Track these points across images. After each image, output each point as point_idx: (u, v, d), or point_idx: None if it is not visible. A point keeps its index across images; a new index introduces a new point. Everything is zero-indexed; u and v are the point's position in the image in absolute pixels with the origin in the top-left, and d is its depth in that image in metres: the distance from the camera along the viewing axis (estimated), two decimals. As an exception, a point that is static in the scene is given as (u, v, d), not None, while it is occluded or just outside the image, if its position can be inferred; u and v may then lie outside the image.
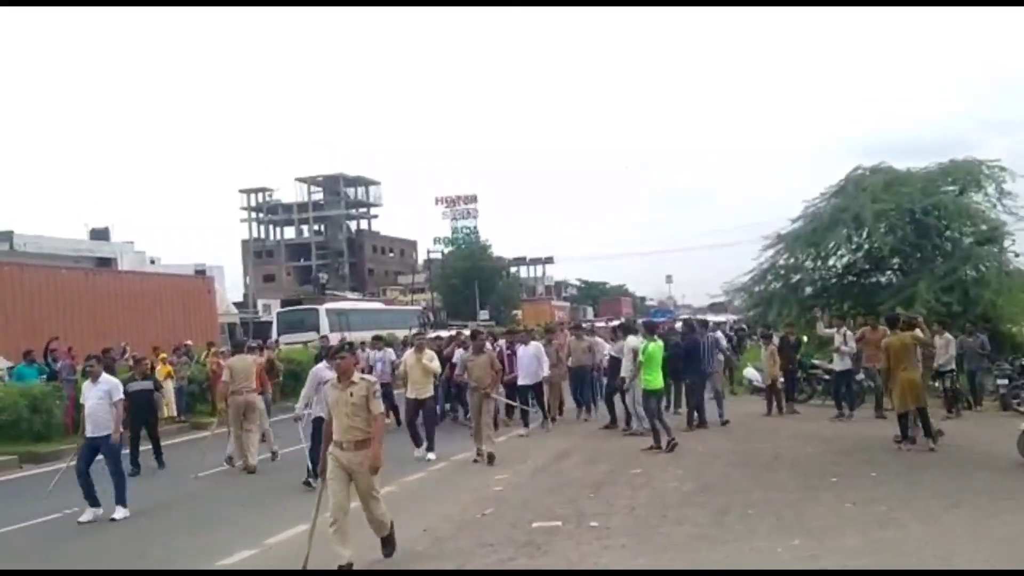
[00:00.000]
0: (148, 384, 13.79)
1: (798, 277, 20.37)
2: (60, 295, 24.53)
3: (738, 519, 8.16)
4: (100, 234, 51.17)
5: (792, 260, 20.32)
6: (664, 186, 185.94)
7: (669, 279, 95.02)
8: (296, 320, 33.49)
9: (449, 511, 8.99)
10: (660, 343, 13.14)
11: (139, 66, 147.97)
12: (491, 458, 12.05)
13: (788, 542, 7.18)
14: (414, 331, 24.16)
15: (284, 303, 55.50)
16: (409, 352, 13.36)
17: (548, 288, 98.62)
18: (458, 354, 16.03)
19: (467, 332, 17.98)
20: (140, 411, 13.05)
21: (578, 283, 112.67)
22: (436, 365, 12.96)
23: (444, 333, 24.60)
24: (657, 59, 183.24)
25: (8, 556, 8.42)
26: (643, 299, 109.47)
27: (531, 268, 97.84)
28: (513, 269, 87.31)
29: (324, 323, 32.02)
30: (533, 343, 16.22)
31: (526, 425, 15.43)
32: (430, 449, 12.68)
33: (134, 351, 17.58)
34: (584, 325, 24.13)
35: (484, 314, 61.20)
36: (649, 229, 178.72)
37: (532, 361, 15.53)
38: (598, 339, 18.06)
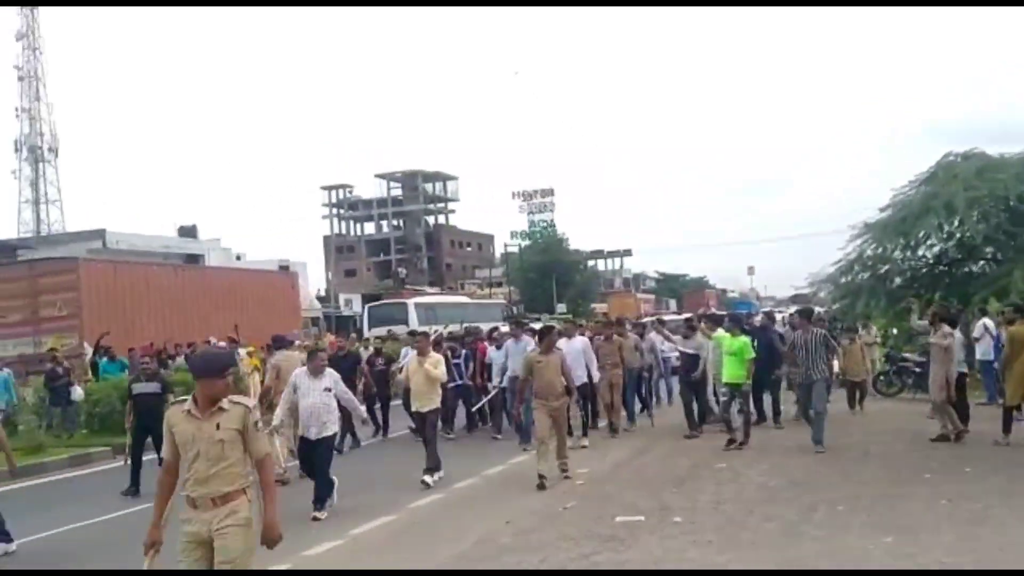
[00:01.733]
0: (154, 386, 11.60)
1: (886, 267, 19.74)
2: (151, 291, 25.26)
3: (827, 515, 7.94)
4: (188, 231, 52.59)
5: (880, 250, 19.69)
6: (740, 176, 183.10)
7: (751, 271, 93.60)
8: (386, 314, 33.89)
9: (531, 504, 8.96)
10: (745, 339, 12.29)
11: (226, 68, 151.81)
12: (564, 471, 10.38)
13: (880, 539, 6.97)
14: (503, 324, 23.35)
15: (365, 298, 56.38)
16: (411, 356, 11.57)
17: (626, 281, 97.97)
18: (492, 353, 14.74)
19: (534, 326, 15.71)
20: (145, 418, 11.18)
21: (656, 275, 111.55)
22: (442, 371, 10.86)
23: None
24: (732, 46, 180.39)
25: (104, 545, 8.69)
26: (724, 291, 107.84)
27: (609, 261, 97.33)
28: (591, 262, 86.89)
29: (413, 317, 32.36)
30: (579, 338, 13.52)
31: (585, 434, 13.17)
32: (431, 470, 10.44)
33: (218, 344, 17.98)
34: (647, 320, 22.05)
35: (562, 307, 61.04)
36: (728, 220, 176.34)
37: (577, 359, 12.59)
38: (652, 336, 16.44)
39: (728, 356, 12.11)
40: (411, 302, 36.07)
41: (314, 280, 63.91)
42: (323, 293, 61.72)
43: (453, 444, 13.79)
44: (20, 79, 66.93)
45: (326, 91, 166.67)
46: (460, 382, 14.92)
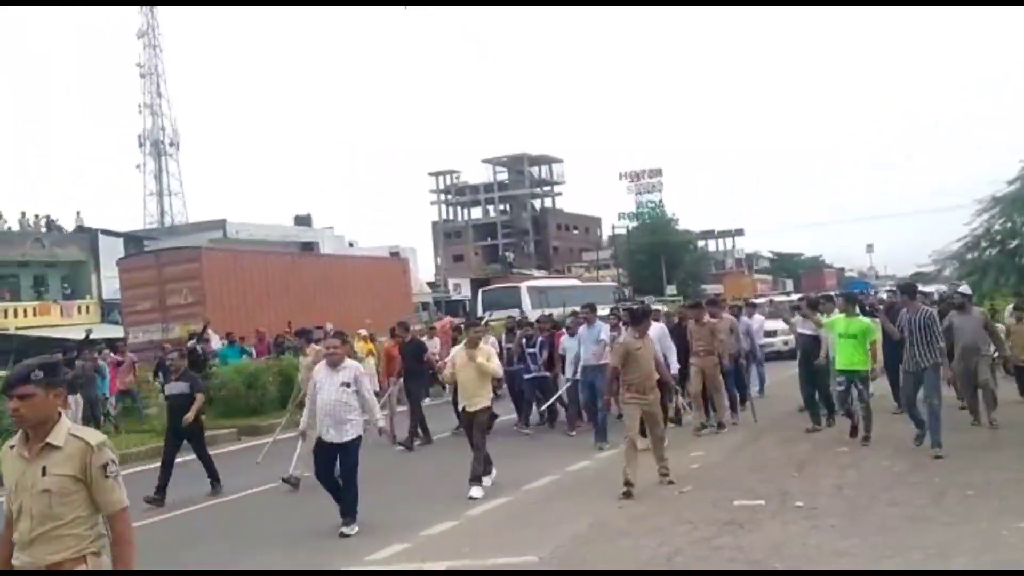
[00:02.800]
0: (182, 386, 10.64)
1: (1016, 242, 18.75)
2: (268, 278, 26.09)
3: (957, 500, 7.64)
4: (303, 220, 54.02)
5: (1009, 224, 18.71)
6: (857, 151, 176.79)
7: (870, 248, 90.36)
8: (498, 298, 34.24)
9: (645, 488, 8.89)
10: (866, 320, 11.30)
11: (337, 59, 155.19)
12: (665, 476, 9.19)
13: (1013, 524, 6.67)
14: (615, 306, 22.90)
15: (473, 282, 56.96)
16: (458, 348, 10.19)
17: (738, 261, 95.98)
18: (565, 341, 13.25)
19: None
20: (176, 421, 10.44)
21: (770, 255, 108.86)
22: (495, 365, 9.72)
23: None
24: (848, 18, 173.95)
25: (225, 524, 9.03)
26: (842, 270, 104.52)
27: (719, 241, 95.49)
28: (701, 242, 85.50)
29: (526, 300, 32.58)
30: (654, 324, 11.27)
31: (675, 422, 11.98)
32: (477, 480, 9.23)
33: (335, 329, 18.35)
34: (742, 301, 20.42)
35: (671, 289, 60.33)
36: (845, 197, 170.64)
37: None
38: (746, 319, 15.20)
39: (844, 339, 10.76)
40: (523, 286, 36.30)
41: (423, 265, 64.96)
42: (433, 278, 62.57)
43: (528, 440, 13.22)
44: (142, 76, 69.74)
45: (434, 79, 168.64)
46: (536, 373, 14.04)
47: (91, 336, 18.97)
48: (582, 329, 12.66)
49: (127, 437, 15.30)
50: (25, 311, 35.03)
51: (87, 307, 37.07)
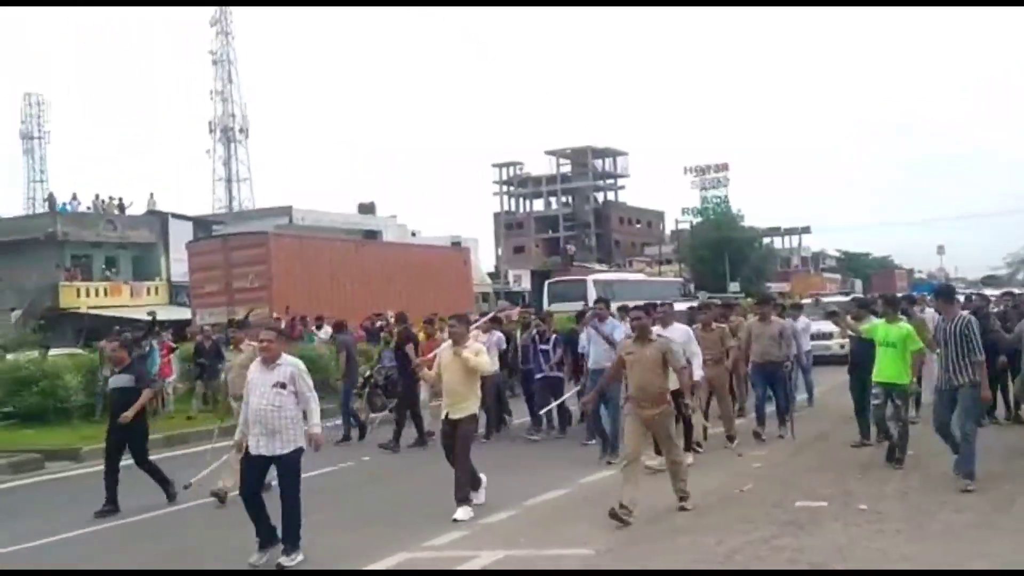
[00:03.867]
0: (126, 379, 9.45)
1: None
2: (333, 265, 26.33)
3: (1026, 509, 7.41)
4: (367, 208, 54.50)
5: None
6: (928, 148, 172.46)
7: (941, 250, 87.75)
8: (564, 291, 34.17)
9: (706, 486, 8.77)
10: (908, 326, 9.76)
11: (401, 49, 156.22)
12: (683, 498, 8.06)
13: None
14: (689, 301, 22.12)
15: (533, 274, 56.90)
16: (445, 345, 8.82)
17: (804, 259, 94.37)
18: (583, 339, 11.75)
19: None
20: (117, 418, 9.24)
21: (837, 254, 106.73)
22: (484, 361, 8.55)
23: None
24: (918, 15, 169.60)
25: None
26: (911, 271, 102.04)
27: (786, 238, 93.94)
28: (766, 240, 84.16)
29: (591, 294, 32.47)
30: (679, 326, 10.58)
31: (688, 447, 9.96)
32: (465, 500, 8.15)
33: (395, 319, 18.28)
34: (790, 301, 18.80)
35: (735, 286, 59.54)
36: (915, 195, 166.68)
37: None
38: (789, 321, 13.31)
39: (884, 348, 9.55)
40: (590, 279, 36.16)
41: (484, 256, 65.10)
42: (493, 269, 62.69)
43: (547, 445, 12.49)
44: (214, 63, 71.06)
45: (501, 70, 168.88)
46: (546, 372, 12.81)
47: (156, 318, 19.20)
48: (593, 326, 11.09)
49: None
50: (97, 291, 35.96)
51: (156, 288, 37.92)
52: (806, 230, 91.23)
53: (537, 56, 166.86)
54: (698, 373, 10.28)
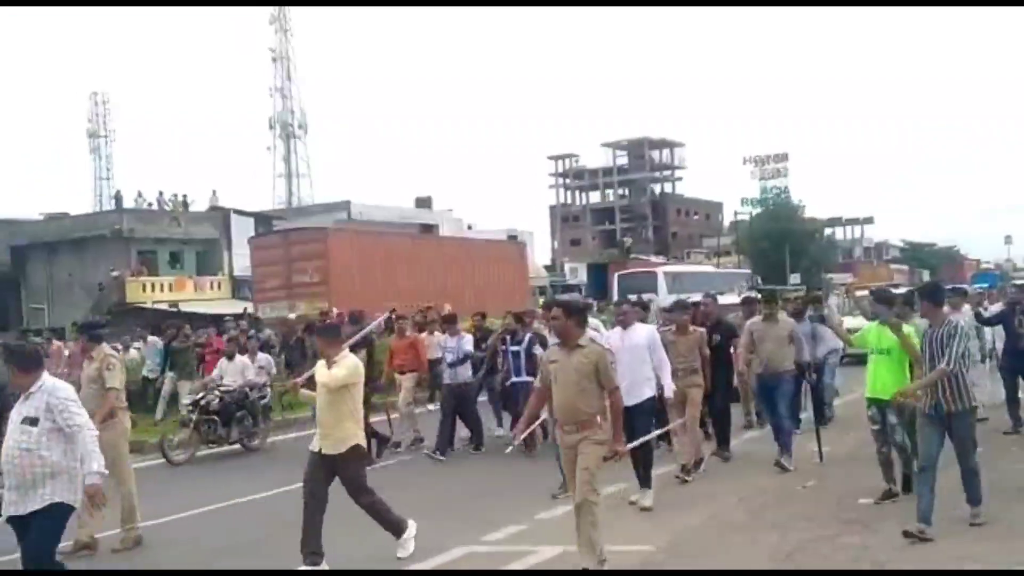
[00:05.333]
0: None
1: None
2: (390, 258, 26.60)
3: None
4: (424, 202, 54.86)
5: None
6: (994, 135, 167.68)
7: (1008, 240, 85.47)
8: (635, 284, 34.10)
9: (765, 483, 8.67)
10: (909, 328, 7.67)
11: (457, 43, 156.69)
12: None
13: None
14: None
15: (590, 267, 56.75)
16: (319, 363, 7.03)
17: (867, 250, 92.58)
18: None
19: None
20: None
21: (902, 244, 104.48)
22: (341, 375, 6.73)
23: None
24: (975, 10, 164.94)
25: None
26: (977, 262, 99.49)
27: (847, 229, 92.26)
28: (827, 230, 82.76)
29: (662, 286, 32.33)
30: (641, 327, 8.72)
31: (645, 484, 8.11)
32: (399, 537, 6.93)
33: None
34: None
35: (795, 278, 58.62)
36: (982, 183, 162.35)
37: (635, 361, 8.10)
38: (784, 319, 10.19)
39: (877, 356, 7.73)
40: (660, 271, 36.04)
41: (540, 249, 65.09)
42: (549, 262, 62.65)
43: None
44: (273, 60, 71.99)
45: (554, 62, 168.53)
46: (523, 378, 10.86)
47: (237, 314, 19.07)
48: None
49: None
50: (162, 285, 36.78)
51: (219, 283, 38.64)
52: (868, 220, 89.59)
53: (593, 48, 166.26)
54: (668, 387, 8.56)
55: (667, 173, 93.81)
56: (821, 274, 62.88)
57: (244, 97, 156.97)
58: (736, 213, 76.74)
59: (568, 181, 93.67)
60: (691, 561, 6.40)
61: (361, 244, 26.69)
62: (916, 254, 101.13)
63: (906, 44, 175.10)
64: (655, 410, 8.36)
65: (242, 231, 36.95)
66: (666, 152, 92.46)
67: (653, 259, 62.98)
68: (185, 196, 41.34)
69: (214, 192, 42.94)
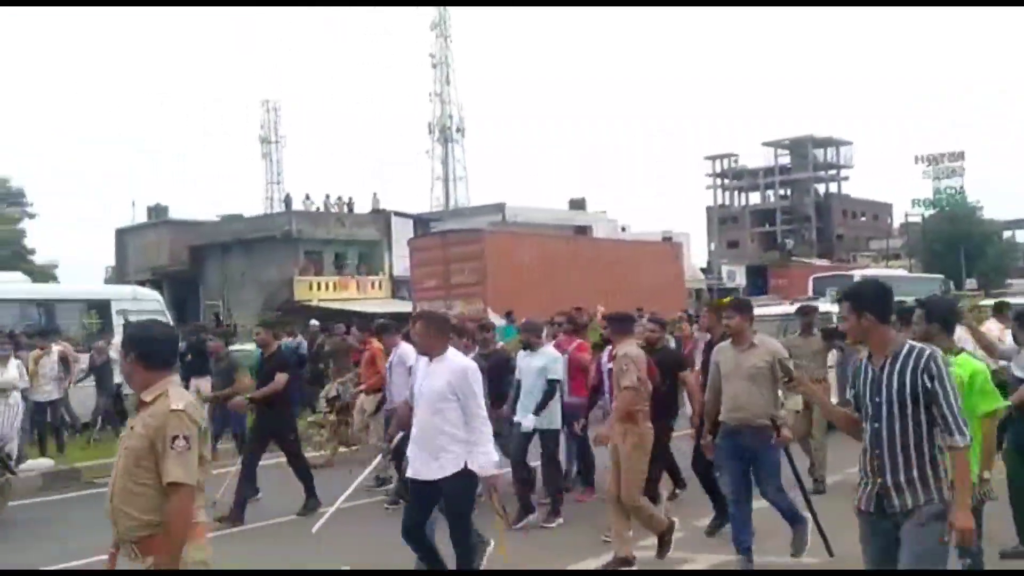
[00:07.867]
0: None
1: None
2: (545, 261, 26.71)
3: None
4: (577, 204, 54.86)
5: None
6: None
7: None
8: (830, 286, 33.31)
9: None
10: (979, 365, 5.09)
11: (609, 43, 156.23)
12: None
13: None
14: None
15: (748, 269, 55.31)
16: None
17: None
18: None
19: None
20: None
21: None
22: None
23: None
24: None
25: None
26: None
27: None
28: (1007, 233, 77.67)
29: None
30: (547, 349, 8.28)
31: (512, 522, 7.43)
32: None
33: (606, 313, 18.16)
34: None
35: (971, 283, 55.27)
36: None
37: (529, 387, 7.78)
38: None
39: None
40: (857, 273, 34.96)
41: (696, 251, 63.88)
42: (705, 264, 61.47)
43: None
44: (433, 66, 73.66)
45: (712, 59, 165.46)
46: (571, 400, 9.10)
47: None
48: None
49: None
50: (327, 285, 38.31)
51: (380, 283, 39.88)
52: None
53: (754, 45, 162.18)
54: (529, 420, 7.38)
55: (832, 172, 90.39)
56: (1003, 280, 59.06)
57: (404, 102, 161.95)
58: (907, 215, 73.25)
59: (726, 181, 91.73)
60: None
61: (517, 246, 26.91)
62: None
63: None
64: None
65: (402, 233, 38.00)
66: (831, 151, 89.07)
67: (816, 262, 60.82)
68: (350, 199, 42.94)
69: (375, 195, 44.40)
